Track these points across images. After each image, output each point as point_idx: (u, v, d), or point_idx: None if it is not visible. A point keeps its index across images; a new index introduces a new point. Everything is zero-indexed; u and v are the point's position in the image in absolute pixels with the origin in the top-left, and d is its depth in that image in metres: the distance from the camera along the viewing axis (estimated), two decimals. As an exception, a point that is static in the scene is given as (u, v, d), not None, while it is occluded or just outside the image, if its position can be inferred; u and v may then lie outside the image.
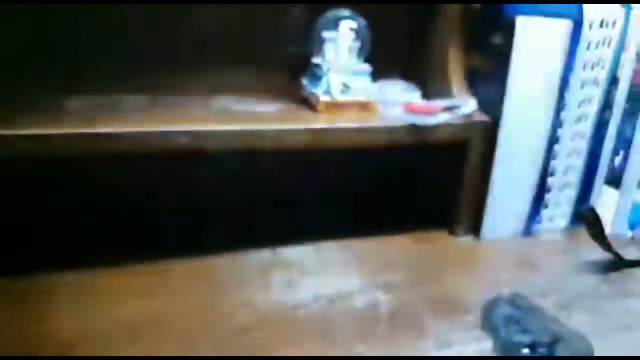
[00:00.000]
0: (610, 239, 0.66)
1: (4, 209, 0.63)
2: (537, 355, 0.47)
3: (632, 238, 0.73)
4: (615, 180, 0.73)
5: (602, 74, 0.68)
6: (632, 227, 0.74)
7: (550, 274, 0.64)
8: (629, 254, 0.67)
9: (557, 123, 0.68)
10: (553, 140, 0.69)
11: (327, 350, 0.49)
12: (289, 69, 0.72)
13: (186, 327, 0.51)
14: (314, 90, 0.67)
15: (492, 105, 0.66)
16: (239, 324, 0.52)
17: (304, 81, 0.69)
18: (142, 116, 0.59)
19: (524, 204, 0.71)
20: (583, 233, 0.70)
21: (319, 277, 0.61)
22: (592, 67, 0.67)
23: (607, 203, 0.73)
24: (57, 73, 0.63)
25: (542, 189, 0.71)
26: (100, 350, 0.47)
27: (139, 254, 0.60)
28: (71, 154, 0.54)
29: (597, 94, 0.69)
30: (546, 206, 0.73)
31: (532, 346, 0.48)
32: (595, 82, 0.68)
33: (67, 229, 0.67)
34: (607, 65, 0.68)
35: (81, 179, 0.69)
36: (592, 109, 0.69)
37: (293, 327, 0.52)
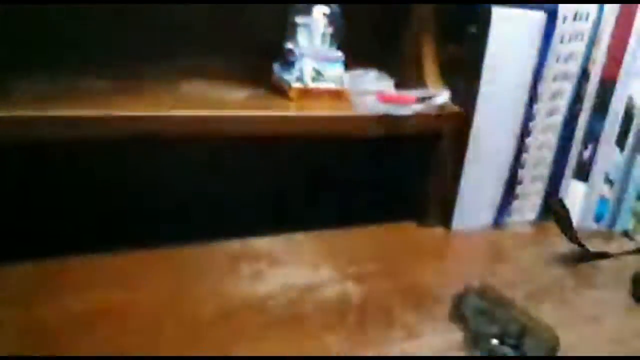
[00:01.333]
0: (577, 232, 0.67)
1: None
2: (506, 345, 0.47)
3: (598, 231, 0.74)
4: (583, 173, 0.74)
5: (574, 68, 0.68)
6: (597, 219, 0.75)
7: (519, 266, 0.65)
8: (595, 246, 0.68)
9: (529, 116, 0.68)
10: (525, 132, 0.69)
11: (296, 340, 0.48)
12: (261, 55, 0.70)
13: (151, 318, 0.49)
14: (285, 77, 0.65)
15: (465, 96, 0.66)
16: (206, 315, 0.51)
17: (276, 67, 0.68)
18: (105, 100, 0.57)
19: (494, 195, 0.72)
20: (551, 225, 0.70)
21: (289, 268, 0.60)
22: (565, 61, 0.68)
23: (574, 196, 0.74)
24: (16, 53, 0.60)
25: (512, 181, 0.71)
26: (55, 339, 0.45)
27: (103, 244, 0.58)
28: (23, 139, 0.51)
29: (568, 88, 0.69)
30: (516, 198, 0.73)
31: (500, 337, 0.48)
32: (567, 75, 0.69)
33: (28, 216, 0.65)
34: (579, 59, 0.68)
35: (45, 164, 0.67)
36: (563, 103, 0.70)
37: (261, 318, 0.51)
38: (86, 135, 0.53)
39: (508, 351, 0.46)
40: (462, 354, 0.48)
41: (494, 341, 0.47)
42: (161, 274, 0.57)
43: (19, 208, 0.66)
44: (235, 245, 0.63)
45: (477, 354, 0.47)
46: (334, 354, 0.47)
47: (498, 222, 0.73)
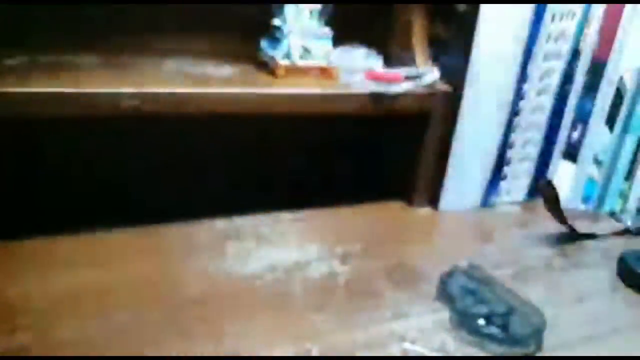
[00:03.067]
0: (565, 212, 0.67)
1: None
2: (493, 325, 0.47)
3: (585, 212, 0.74)
4: (571, 154, 0.74)
5: (565, 47, 0.68)
6: (585, 200, 0.75)
7: (506, 246, 0.65)
8: (582, 227, 0.68)
9: (518, 95, 0.68)
10: (514, 112, 0.68)
11: (283, 319, 0.48)
12: (247, 32, 0.69)
13: (136, 297, 0.49)
14: (273, 54, 0.64)
15: (455, 75, 0.65)
16: (192, 294, 0.50)
17: (263, 44, 0.66)
18: (90, 76, 0.55)
19: (483, 176, 0.71)
20: (539, 206, 0.70)
21: (275, 247, 0.59)
22: (556, 40, 0.67)
23: (562, 177, 0.74)
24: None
25: (501, 161, 0.71)
26: (41, 318, 0.45)
27: (88, 221, 0.57)
28: (6, 115, 0.50)
29: (558, 67, 0.69)
30: (504, 178, 0.73)
31: (487, 317, 0.47)
32: (558, 54, 0.68)
33: (13, 193, 0.63)
34: (571, 38, 0.67)
35: (30, 140, 0.65)
36: (553, 82, 0.69)
37: (248, 297, 0.50)
38: (70, 112, 0.52)
39: (495, 331, 0.46)
40: (449, 333, 0.47)
41: (481, 321, 0.47)
42: (146, 252, 0.56)
43: (3, 185, 0.65)
44: (221, 224, 0.62)
45: (464, 333, 0.47)
46: (322, 332, 0.46)
47: (486, 202, 0.73)
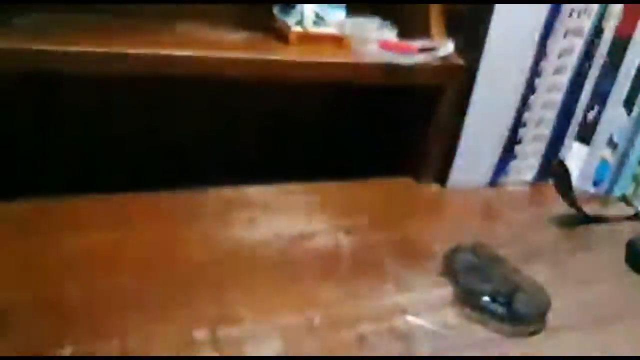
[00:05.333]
0: (575, 195, 0.66)
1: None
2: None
3: (596, 194, 0.74)
4: (585, 135, 0.72)
5: (587, 23, 0.66)
6: (596, 184, 0.74)
7: (514, 226, 0.64)
8: (592, 210, 0.67)
9: (535, 73, 0.66)
10: (529, 90, 0.67)
11: (288, 287, 0.48)
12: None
13: (144, 260, 0.49)
14: (286, 20, 0.62)
15: (471, 49, 0.64)
16: (197, 258, 0.50)
17: (276, 10, 0.65)
18: (100, 36, 0.54)
19: (493, 154, 0.70)
20: (549, 187, 0.69)
21: (282, 217, 0.59)
22: (579, 15, 0.65)
23: (574, 158, 0.73)
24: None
25: (512, 140, 0.70)
26: (50, 277, 0.45)
27: (98, 184, 0.56)
28: (17, 72, 0.50)
29: (579, 45, 0.67)
30: (515, 158, 0.72)
31: (491, 295, 0.47)
32: (579, 31, 0.66)
33: (25, 153, 0.64)
34: (594, 13, 0.65)
35: (43, 101, 0.65)
36: (572, 61, 0.67)
37: (253, 264, 0.50)
38: (85, 71, 0.52)
39: (498, 309, 0.46)
40: (453, 309, 0.47)
41: (485, 298, 0.47)
42: (154, 216, 0.56)
43: (17, 145, 0.65)
44: (228, 192, 0.62)
45: (467, 309, 0.47)
46: (325, 302, 0.46)
47: (495, 181, 0.72)
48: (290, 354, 0.40)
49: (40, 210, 0.54)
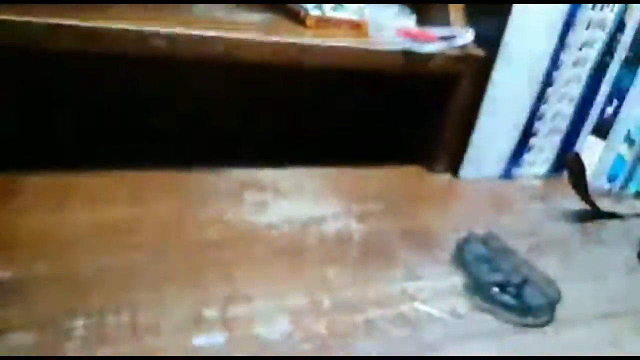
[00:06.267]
0: (589, 190, 0.65)
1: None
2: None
3: (610, 191, 0.73)
4: (602, 130, 0.72)
5: (610, 16, 0.65)
6: (610, 179, 0.73)
7: (525, 218, 0.64)
8: (605, 206, 0.67)
9: (554, 64, 0.65)
10: (547, 82, 0.66)
11: (297, 269, 0.48)
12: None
13: (157, 237, 0.49)
14: (303, 4, 0.62)
15: (490, 39, 0.63)
16: (209, 238, 0.50)
17: (295, -7, 0.64)
18: (119, 14, 0.54)
19: (507, 146, 0.70)
20: (562, 181, 0.69)
21: (293, 201, 0.59)
22: (601, 7, 0.64)
23: (590, 153, 0.72)
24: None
25: (528, 132, 0.69)
26: (65, 250, 0.45)
27: (111, 160, 0.57)
28: (41, 47, 0.49)
29: (601, 37, 0.66)
30: (529, 150, 0.71)
31: (501, 285, 0.47)
32: (602, 24, 0.65)
33: (43, 126, 0.65)
34: (617, 6, 0.64)
35: (66, 74, 0.65)
36: (593, 53, 0.66)
37: (264, 245, 0.51)
38: (98, 48, 0.51)
39: (508, 299, 0.46)
40: (462, 298, 0.47)
41: (495, 288, 0.47)
42: (168, 194, 0.56)
43: (34, 119, 0.65)
44: (240, 174, 0.62)
45: (477, 299, 0.47)
46: (335, 286, 0.46)
47: (508, 173, 0.72)
48: (298, 335, 0.41)
49: (56, 184, 0.54)
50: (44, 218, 0.49)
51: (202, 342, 0.39)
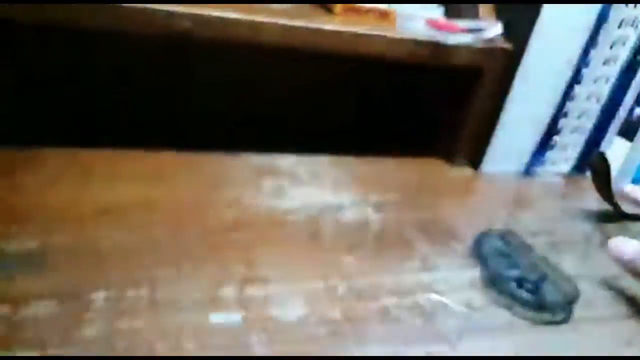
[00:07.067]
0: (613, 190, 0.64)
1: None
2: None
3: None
4: (628, 131, 0.70)
5: (644, 14, 0.63)
6: (635, 182, 0.72)
7: (545, 216, 0.63)
8: (627, 208, 0.65)
9: (583, 62, 0.64)
10: (575, 80, 0.65)
11: (314, 255, 0.48)
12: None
13: (176, 216, 0.50)
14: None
15: (518, 33, 0.62)
16: (227, 220, 0.51)
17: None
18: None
19: (530, 142, 0.69)
20: (584, 181, 0.68)
21: (310, 188, 0.59)
22: (635, 5, 0.62)
23: (615, 154, 0.71)
24: None
25: (552, 130, 0.68)
26: (86, 224, 0.46)
27: (134, 139, 0.58)
28: (67, 26, 0.50)
29: (633, 35, 0.64)
30: (552, 148, 0.70)
31: (519, 280, 0.47)
32: (635, 21, 0.63)
33: (65, 104, 0.66)
34: (651, 3, 0.63)
35: (85, 54, 0.66)
36: (624, 52, 0.65)
37: (280, 230, 0.51)
38: (125, 28, 0.52)
39: (525, 295, 0.46)
40: (478, 291, 0.47)
41: (512, 283, 0.47)
42: (187, 176, 0.57)
43: (59, 95, 0.66)
44: (258, 159, 0.62)
45: (493, 293, 0.46)
46: (350, 273, 0.46)
47: (529, 170, 0.71)
48: (313, 318, 0.41)
49: (80, 160, 0.55)
50: (68, 192, 0.50)
51: (220, 319, 0.39)
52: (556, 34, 0.61)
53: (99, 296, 0.39)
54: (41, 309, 0.38)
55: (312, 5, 0.63)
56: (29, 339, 0.35)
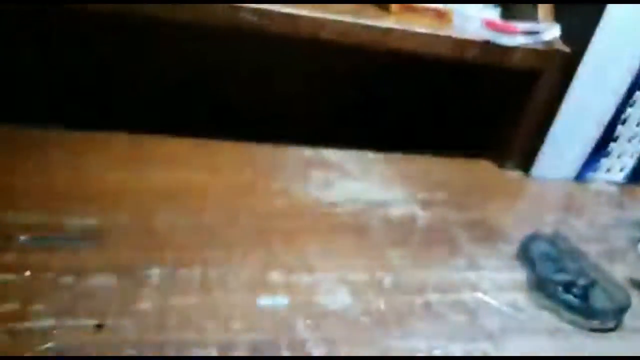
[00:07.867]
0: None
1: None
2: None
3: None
4: (691, 142, 0.68)
5: None
6: (694, 194, 0.69)
7: (596, 223, 0.62)
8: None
9: (646, 67, 0.62)
10: (636, 85, 0.63)
11: (360, 247, 0.49)
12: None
13: (228, 202, 0.52)
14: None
15: (578, 36, 0.61)
16: (276, 208, 0.52)
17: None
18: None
19: (584, 148, 0.67)
20: (638, 191, 0.66)
21: (358, 182, 0.60)
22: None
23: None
24: None
25: (608, 136, 0.67)
26: (142, 206, 0.48)
27: (189, 127, 0.60)
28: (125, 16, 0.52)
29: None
30: (607, 155, 0.68)
31: (567, 285, 0.46)
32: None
33: (125, 89, 0.68)
34: None
35: (147, 43, 0.68)
36: (689, 57, 0.63)
37: (328, 221, 0.52)
38: (190, 18, 0.53)
39: (573, 299, 0.45)
40: (524, 293, 0.47)
41: (560, 288, 0.46)
42: (239, 165, 0.59)
43: (122, 82, 0.69)
44: (307, 152, 0.64)
45: (540, 296, 0.46)
46: (396, 267, 0.47)
47: (582, 176, 0.69)
48: (358, 307, 0.42)
49: (139, 145, 0.58)
50: (128, 175, 0.53)
51: (267, 302, 0.40)
52: (617, 38, 0.60)
53: (154, 273, 0.41)
54: (101, 281, 0.40)
55: (369, 3, 0.64)
56: (90, 308, 0.38)
